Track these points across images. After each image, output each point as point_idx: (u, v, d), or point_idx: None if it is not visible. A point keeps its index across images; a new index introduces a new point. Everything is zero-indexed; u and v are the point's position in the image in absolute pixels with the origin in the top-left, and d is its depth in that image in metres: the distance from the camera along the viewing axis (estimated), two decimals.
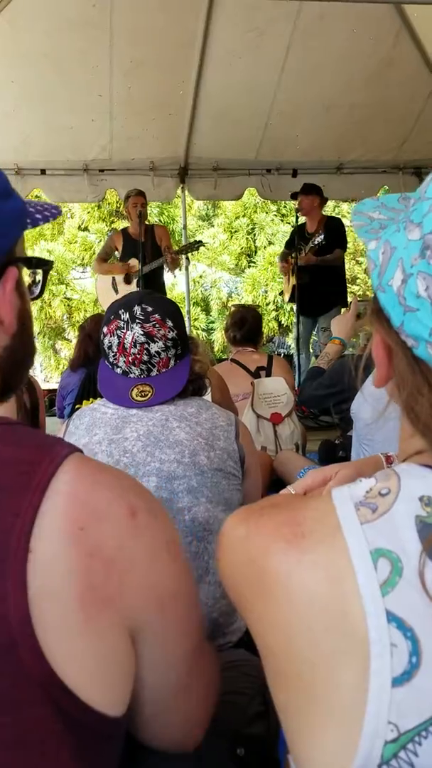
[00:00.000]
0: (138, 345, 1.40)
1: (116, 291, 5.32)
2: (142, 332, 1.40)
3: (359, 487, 0.59)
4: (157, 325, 1.41)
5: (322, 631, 0.53)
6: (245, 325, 3.44)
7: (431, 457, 0.59)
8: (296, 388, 3.43)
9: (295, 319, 5.67)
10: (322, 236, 5.07)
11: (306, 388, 2.81)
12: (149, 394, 1.41)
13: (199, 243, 5.56)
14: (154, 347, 1.41)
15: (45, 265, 0.78)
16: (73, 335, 10.83)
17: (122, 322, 1.42)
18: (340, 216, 7.97)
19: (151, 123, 5.56)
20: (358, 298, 4.28)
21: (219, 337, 11.17)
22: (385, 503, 0.56)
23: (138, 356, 1.41)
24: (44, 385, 6.36)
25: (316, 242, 5.14)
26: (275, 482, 2.83)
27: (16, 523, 0.59)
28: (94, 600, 0.61)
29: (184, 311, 6.65)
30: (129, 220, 5.38)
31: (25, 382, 0.83)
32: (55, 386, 4.54)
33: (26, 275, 0.78)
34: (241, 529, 0.62)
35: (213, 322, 11.71)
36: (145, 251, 5.17)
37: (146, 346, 1.40)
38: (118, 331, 1.42)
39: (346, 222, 5.97)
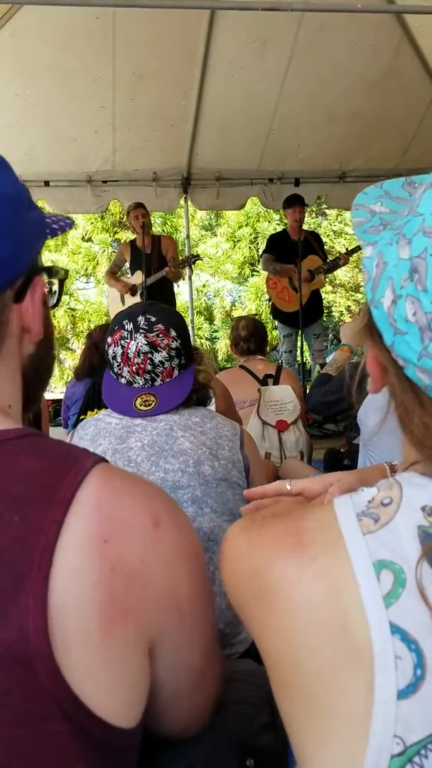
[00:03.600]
0: (141, 355, 1.40)
1: (123, 302, 5.38)
2: (145, 342, 1.40)
3: (361, 497, 0.58)
4: (161, 335, 1.41)
5: (324, 642, 0.53)
6: (256, 334, 3.45)
7: (429, 467, 0.59)
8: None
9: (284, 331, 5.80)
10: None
11: (314, 395, 2.80)
12: (153, 404, 1.40)
13: (196, 257, 5.78)
14: (157, 357, 1.41)
15: (64, 274, 0.80)
16: (77, 345, 10.84)
17: (126, 332, 1.42)
18: (342, 224, 8.05)
19: (154, 134, 5.58)
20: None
21: (222, 347, 11.17)
22: (387, 513, 0.56)
23: (141, 366, 1.40)
24: (48, 395, 6.35)
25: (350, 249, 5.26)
26: None
27: (39, 538, 0.59)
28: (115, 614, 0.61)
29: (187, 320, 6.65)
30: (134, 232, 5.47)
31: (45, 390, 0.83)
32: (59, 396, 4.54)
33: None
34: (243, 539, 0.62)
35: (216, 331, 11.72)
36: (150, 263, 5.22)
37: (150, 355, 1.40)
38: (122, 341, 1.42)
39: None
